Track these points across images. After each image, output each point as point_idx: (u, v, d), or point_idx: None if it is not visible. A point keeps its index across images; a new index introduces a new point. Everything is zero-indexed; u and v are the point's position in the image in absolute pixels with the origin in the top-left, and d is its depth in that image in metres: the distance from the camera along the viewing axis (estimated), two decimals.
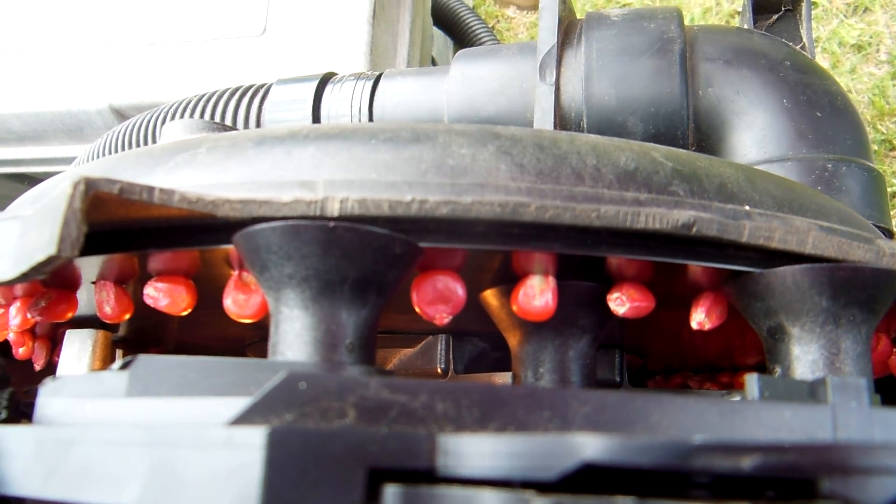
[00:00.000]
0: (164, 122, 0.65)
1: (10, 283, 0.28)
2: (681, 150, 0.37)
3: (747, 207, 0.31)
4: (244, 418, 0.17)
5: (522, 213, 0.27)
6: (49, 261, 0.24)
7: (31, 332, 0.48)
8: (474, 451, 0.16)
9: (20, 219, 0.28)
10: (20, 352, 0.46)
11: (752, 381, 0.24)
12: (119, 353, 0.51)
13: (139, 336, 0.51)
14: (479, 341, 0.45)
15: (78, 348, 0.45)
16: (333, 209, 0.26)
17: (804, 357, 0.29)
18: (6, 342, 0.42)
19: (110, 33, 0.98)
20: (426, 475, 0.16)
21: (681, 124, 0.59)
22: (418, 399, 0.18)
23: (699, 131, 0.60)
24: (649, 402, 0.19)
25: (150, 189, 0.26)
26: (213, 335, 0.51)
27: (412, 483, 0.16)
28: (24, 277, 0.26)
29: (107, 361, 0.47)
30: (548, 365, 0.33)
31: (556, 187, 0.29)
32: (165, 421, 0.20)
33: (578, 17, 0.66)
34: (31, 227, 0.26)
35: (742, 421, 0.20)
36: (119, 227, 0.30)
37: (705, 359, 0.58)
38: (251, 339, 0.52)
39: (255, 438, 0.16)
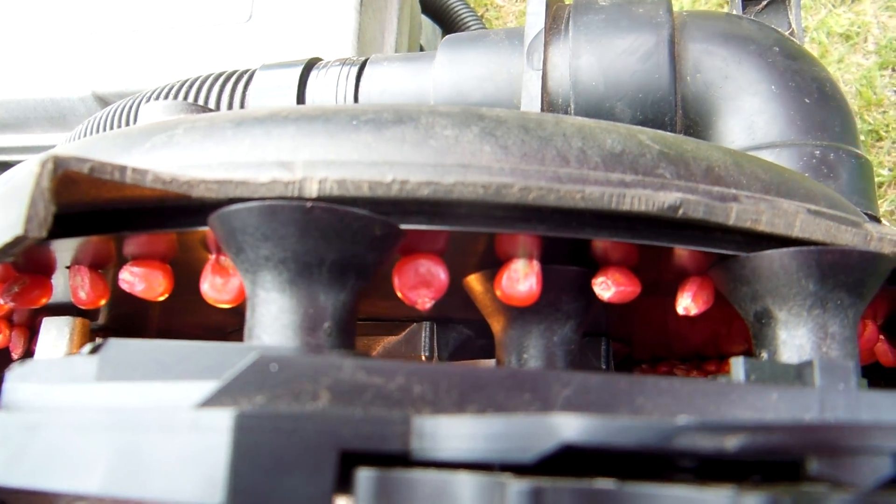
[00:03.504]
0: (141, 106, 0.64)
1: None
2: (668, 133, 0.36)
3: (734, 190, 0.31)
4: (213, 401, 0.17)
5: (506, 195, 0.27)
6: (16, 241, 0.23)
7: (7, 321, 0.47)
8: (450, 433, 0.15)
9: None
10: None
11: (737, 364, 0.24)
12: (98, 341, 0.50)
13: (119, 324, 0.50)
14: (464, 328, 0.45)
15: (55, 336, 0.44)
16: (312, 190, 0.26)
17: (791, 341, 0.28)
18: None
19: (94, 20, 0.97)
20: (400, 459, 0.15)
21: (669, 110, 0.58)
22: (394, 381, 0.17)
23: (687, 117, 0.59)
24: (633, 383, 0.19)
25: (123, 168, 0.25)
26: (194, 323, 0.51)
27: (386, 467, 0.15)
28: None
29: None
30: (532, 350, 0.32)
31: (540, 168, 0.29)
32: (135, 405, 0.19)
33: (567, 2, 0.66)
34: None
35: (728, 403, 0.20)
36: (92, 209, 0.29)
37: (692, 347, 0.58)
38: (233, 327, 0.51)
39: (223, 421, 0.15)
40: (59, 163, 0.24)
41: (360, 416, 0.15)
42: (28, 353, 0.48)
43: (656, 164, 0.32)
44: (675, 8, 0.63)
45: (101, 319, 0.49)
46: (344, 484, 0.15)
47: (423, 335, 0.43)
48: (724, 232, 0.30)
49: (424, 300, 0.30)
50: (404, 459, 0.16)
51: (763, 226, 0.30)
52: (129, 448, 0.16)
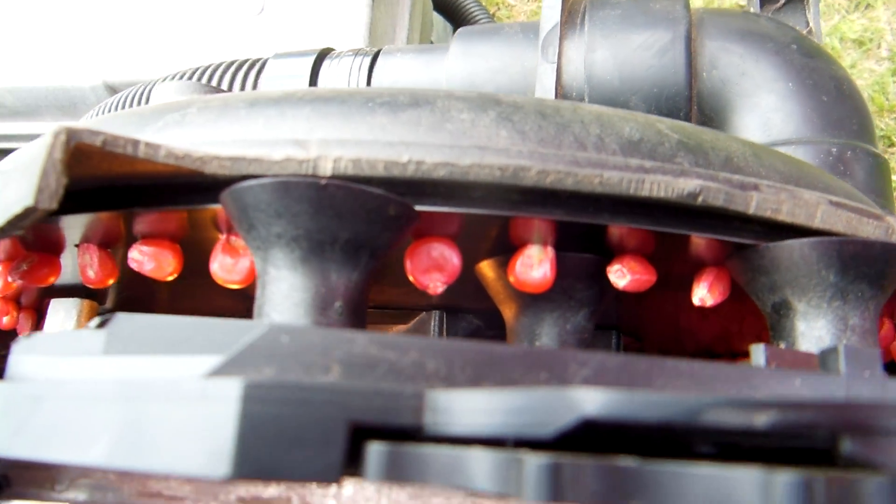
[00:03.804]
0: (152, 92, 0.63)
1: None
2: (686, 123, 0.36)
3: (754, 180, 0.30)
4: (222, 371, 0.16)
5: (523, 177, 0.26)
6: (26, 213, 0.23)
7: (15, 302, 0.47)
8: (464, 407, 0.15)
9: (0, 173, 0.27)
10: (4, 321, 0.45)
11: (758, 350, 0.23)
12: (106, 316, 0.49)
13: (127, 307, 0.50)
14: (473, 318, 0.44)
15: (63, 317, 0.44)
16: (326, 168, 0.25)
17: (810, 333, 0.28)
18: None
19: (106, 8, 0.96)
20: (413, 433, 0.15)
21: (684, 105, 0.58)
22: (408, 356, 0.17)
23: (703, 113, 0.59)
24: (653, 365, 0.18)
25: (136, 142, 0.25)
26: (204, 307, 0.50)
27: (397, 441, 0.15)
28: (2, 233, 0.25)
29: None
30: (544, 338, 0.32)
31: (557, 153, 0.28)
32: (142, 377, 0.19)
33: None
34: (11, 181, 0.25)
35: (750, 388, 0.19)
36: (103, 184, 0.29)
37: (703, 343, 0.57)
38: (244, 312, 0.51)
39: (231, 390, 0.15)
40: (71, 134, 0.23)
41: (372, 387, 0.15)
42: None
43: (675, 153, 0.31)
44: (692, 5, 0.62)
45: (109, 302, 0.48)
46: (353, 458, 0.15)
47: (433, 324, 0.42)
48: (744, 221, 0.30)
49: (436, 284, 0.29)
50: (417, 434, 0.15)
51: (784, 215, 0.29)
52: (134, 419, 0.16)
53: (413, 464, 0.14)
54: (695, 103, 0.57)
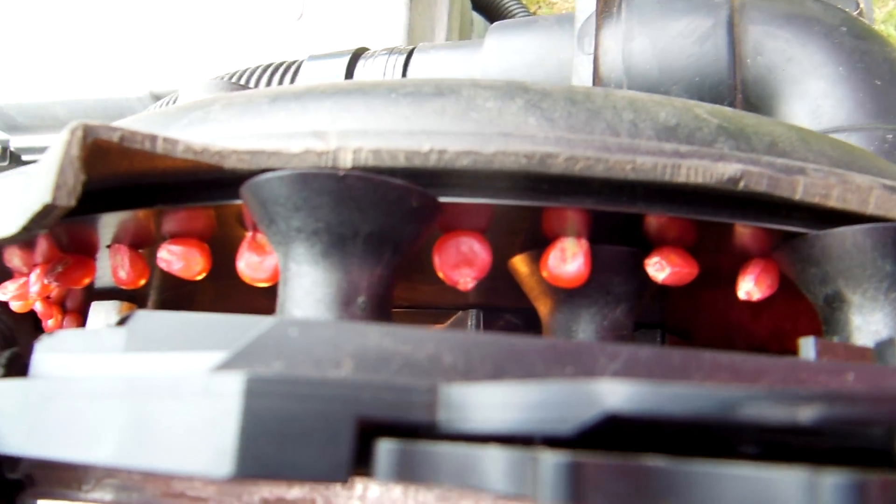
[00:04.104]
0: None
1: (13, 240, 0.26)
2: (728, 108, 0.34)
3: (801, 163, 0.29)
4: (227, 366, 0.15)
5: (551, 165, 0.25)
6: (45, 210, 0.23)
7: (59, 305, 0.48)
8: (480, 401, 0.14)
9: (24, 173, 0.27)
10: (49, 323, 0.45)
11: (807, 343, 0.21)
12: (125, 313, 0.50)
13: (166, 309, 0.50)
14: (511, 317, 0.43)
15: (103, 319, 0.44)
16: (346, 160, 0.25)
17: (866, 327, 0.26)
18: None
19: (149, 20, 0.98)
20: (425, 430, 0.14)
21: (728, 94, 0.56)
22: (424, 350, 0.16)
23: (748, 102, 0.56)
24: (689, 358, 0.17)
25: (153, 137, 0.24)
26: (241, 308, 0.50)
27: (409, 439, 0.14)
28: (25, 232, 0.25)
29: None
30: (581, 335, 0.30)
31: (588, 139, 0.27)
32: (151, 374, 0.18)
33: None
34: (33, 180, 0.25)
35: (797, 383, 0.18)
36: (127, 183, 0.28)
37: (755, 343, 0.55)
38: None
39: (233, 385, 0.14)
40: (88, 131, 0.23)
41: (381, 382, 0.14)
42: None
43: (714, 138, 0.30)
44: None
45: (150, 304, 0.49)
46: (362, 455, 0.14)
47: (470, 324, 0.41)
48: (790, 208, 0.28)
49: (466, 280, 0.28)
50: (429, 431, 0.14)
51: (833, 201, 0.27)
52: (139, 417, 0.15)
53: (425, 463, 0.13)
54: (739, 92, 0.55)
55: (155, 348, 0.21)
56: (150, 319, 0.22)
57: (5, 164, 1.07)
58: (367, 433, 0.14)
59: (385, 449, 0.14)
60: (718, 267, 0.33)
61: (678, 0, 0.57)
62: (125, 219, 0.30)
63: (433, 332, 0.16)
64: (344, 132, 0.26)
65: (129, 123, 0.33)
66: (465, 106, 0.28)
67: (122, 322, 0.23)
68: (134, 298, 0.46)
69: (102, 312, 0.46)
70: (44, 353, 0.23)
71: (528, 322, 0.45)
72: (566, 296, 0.31)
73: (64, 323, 0.48)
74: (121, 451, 0.15)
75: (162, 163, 0.25)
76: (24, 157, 1.07)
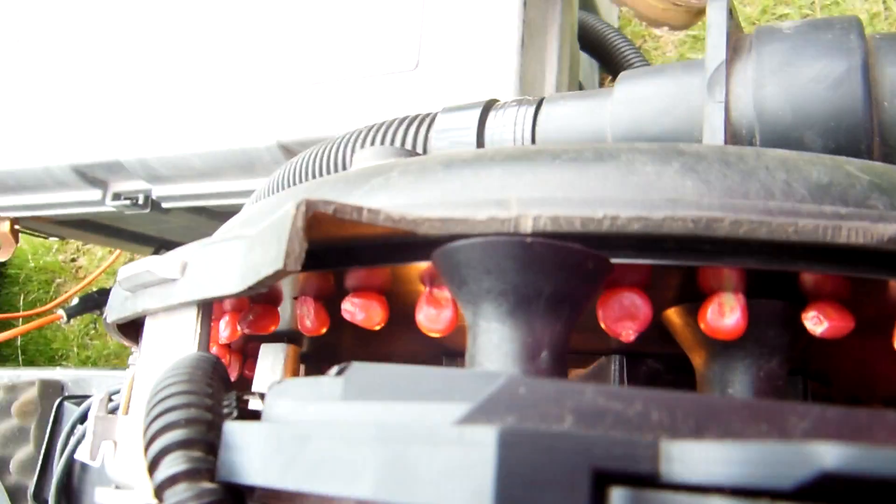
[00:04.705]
0: (338, 151, 0.69)
1: (236, 296, 0.31)
2: (877, 163, 0.35)
3: None
4: (470, 419, 0.18)
5: (716, 229, 0.27)
6: (276, 275, 0.27)
7: (228, 347, 0.53)
8: (700, 457, 0.16)
9: (244, 238, 0.32)
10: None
11: None
12: (302, 367, 0.54)
13: (317, 352, 0.55)
14: (653, 362, 0.45)
15: (272, 361, 0.49)
16: (527, 226, 0.28)
17: None
18: None
19: (276, 74, 1.05)
20: (650, 481, 0.16)
21: (865, 138, 0.55)
22: (633, 407, 0.18)
23: (886, 144, 0.56)
24: (874, 417, 0.18)
25: (360, 209, 0.28)
26: (383, 352, 0.54)
27: (638, 487, 0.16)
28: (249, 290, 0.29)
29: (295, 374, 0.50)
30: (737, 385, 0.32)
31: (746, 202, 0.29)
32: (387, 422, 0.22)
33: (746, 31, 0.64)
34: (256, 245, 0.29)
35: None
36: (325, 245, 0.32)
37: (894, 391, 0.54)
38: (421, 357, 0.54)
39: (488, 436, 0.17)
40: (310, 205, 0.27)
41: (611, 437, 0.17)
42: (241, 376, 0.53)
43: (868, 196, 0.31)
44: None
45: (305, 347, 0.53)
46: (598, 502, 0.16)
47: (613, 368, 0.43)
48: None
49: (629, 332, 0.31)
50: (653, 482, 0.16)
51: None
52: (396, 458, 0.19)
53: None
54: (877, 135, 0.55)
55: (370, 397, 0.24)
56: (365, 371, 0.25)
57: (147, 210, 1.16)
58: (600, 482, 0.16)
59: (619, 495, 0.16)
60: (863, 317, 0.34)
61: (809, 46, 0.58)
62: (319, 276, 0.34)
63: (641, 391, 0.19)
64: (522, 200, 0.29)
65: (315, 189, 0.38)
66: (625, 171, 0.31)
67: (339, 372, 0.27)
68: (294, 340, 0.50)
69: (271, 354, 0.51)
70: (274, 399, 0.26)
71: (669, 367, 0.46)
72: (721, 347, 0.33)
73: (231, 362, 0.53)
74: (380, 488, 0.18)
75: (363, 230, 0.29)
76: (164, 205, 1.15)
